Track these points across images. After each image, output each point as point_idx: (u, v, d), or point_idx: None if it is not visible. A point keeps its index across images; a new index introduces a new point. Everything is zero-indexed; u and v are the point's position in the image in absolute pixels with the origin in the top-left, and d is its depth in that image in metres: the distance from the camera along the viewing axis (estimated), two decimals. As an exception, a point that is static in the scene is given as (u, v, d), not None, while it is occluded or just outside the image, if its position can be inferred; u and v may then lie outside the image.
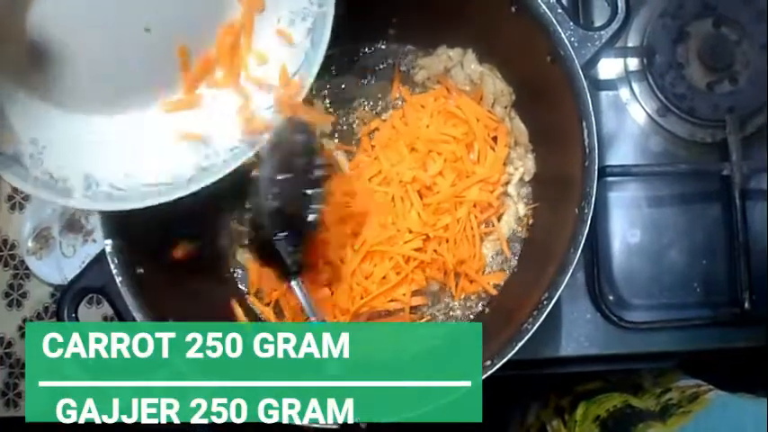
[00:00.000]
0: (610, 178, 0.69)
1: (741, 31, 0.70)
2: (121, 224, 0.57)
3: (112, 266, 0.55)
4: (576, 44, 0.56)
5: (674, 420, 0.64)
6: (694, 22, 0.71)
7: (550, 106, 0.61)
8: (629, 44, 0.71)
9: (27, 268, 0.77)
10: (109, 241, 0.56)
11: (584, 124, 0.54)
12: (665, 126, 0.71)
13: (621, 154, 0.71)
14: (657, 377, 0.75)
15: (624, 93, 0.72)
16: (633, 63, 0.72)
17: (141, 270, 0.57)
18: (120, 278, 0.55)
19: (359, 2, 0.59)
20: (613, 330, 0.68)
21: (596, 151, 0.54)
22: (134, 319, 0.55)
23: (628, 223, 0.70)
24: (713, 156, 0.70)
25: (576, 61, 0.55)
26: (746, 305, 0.66)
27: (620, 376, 0.78)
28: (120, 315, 0.56)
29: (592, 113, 0.54)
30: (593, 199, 0.54)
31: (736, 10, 0.70)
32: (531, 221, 0.68)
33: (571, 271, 0.53)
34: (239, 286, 0.70)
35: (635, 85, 0.72)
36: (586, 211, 0.54)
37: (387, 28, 0.71)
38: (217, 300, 0.67)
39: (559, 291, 0.53)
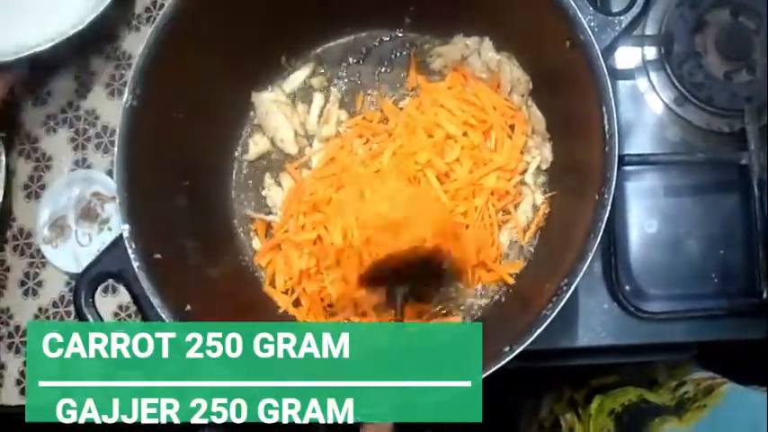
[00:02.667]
0: (627, 167, 0.69)
1: (759, 20, 0.70)
2: (139, 209, 0.57)
3: (130, 251, 0.55)
4: (595, 29, 0.56)
5: (690, 416, 0.64)
6: (712, 11, 0.70)
7: (569, 93, 0.60)
8: (647, 33, 0.71)
9: (43, 257, 0.77)
10: (126, 226, 0.56)
11: (603, 109, 0.54)
12: (683, 115, 0.71)
13: (639, 143, 0.71)
14: (672, 370, 0.75)
15: (642, 82, 0.72)
16: (651, 52, 0.72)
17: (159, 255, 0.57)
18: (137, 263, 0.55)
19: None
20: (630, 321, 0.68)
21: (616, 137, 0.54)
22: (151, 305, 0.55)
23: (645, 213, 0.70)
24: (731, 145, 0.70)
25: (597, 46, 0.55)
26: (764, 295, 0.65)
27: (636, 370, 0.78)
28: (137, 300, 0.56)
29: (612, 98, 0.54)
30: (614, 184, 0.53)
31: (755, -1, 0.70)
32: (548, 210, 0.68)
33: (590, 257, 0.53)
34: (255, 274, 0.70)
35: (652, 75, 0.71)
36: (606, 196, 0.53)
37: (403, 16, 0.71)
38: (234, 287, 0.67)
39: (579, 277, 0.53)
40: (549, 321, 0.52)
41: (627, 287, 0.68)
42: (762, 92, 0.69)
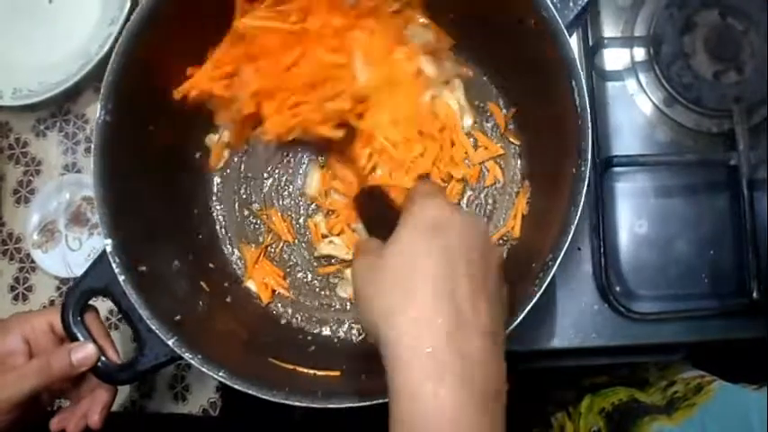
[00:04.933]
0: (617, 168, 0.69)
1: (748, 20, 0.70)
2: (121, 223, 0.56)
3: (114, 265, 0.55)
4: (558, 5, 0.56)
5: (680, 414, 0.64)
6: (701, 12, 0.70)
7: (537, 74, 0.60)
8: (636, 34, 0.71)
9: (33, 262, 0.77)
10: (109, 241, 0.55)
11: (573, 83, 0.54)
12: (672, 116, 0.71)
13: (628, 144, 0.71)
14: (662, 370, 0.75)
15: (631, 83, 0.72)
16: (640, 53, 0.72)
17: (144, 268, 0.57)
18: (122, 276, 0.55)
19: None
20: (620, 321, 0.68)
21: (588, 111, 0.53)
22: (140, 317, 0.55)
23: (635, 214, 0.70)
24: (720, 146, 0.70)
25: (560, 21, 0.54)
26: (755, 295, 0.65)
27: (626, 370, 0.78)
28: (127, 314, 0.56)
29: (581, 73, 0.53)
30: (589, 156, 0.53)
31: (743, 0, 0.70)
32: (528, 197, 0.68)
33: (573, 230, 0.52)
34: (241, 279, 0.70)
35: (641, 76, 0.71)
36: (583, 168, 0.53)
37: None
38: (219, 290, 0.67)
39: (563, 250, 0.52)
40: (536, 299, 0.52)
41: (617, 288, 0.68)
42: (750, 92, 0.69)
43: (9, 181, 0.79)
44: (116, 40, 0.73)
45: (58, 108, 0.79)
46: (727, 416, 0.61)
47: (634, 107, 0.71)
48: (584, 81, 0.54)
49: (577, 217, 0.53)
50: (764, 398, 0.58)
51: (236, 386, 0.53)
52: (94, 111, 0.77)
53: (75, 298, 0.57)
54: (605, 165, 0.67)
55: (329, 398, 0.53)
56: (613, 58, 0.72)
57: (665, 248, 0.69)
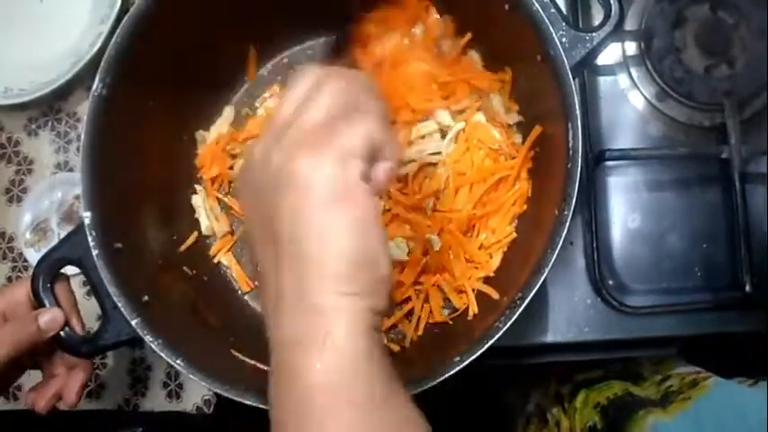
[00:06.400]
0: (609, 162, 0.69)
1: (738, 14, 0.70)
2: (103, 198, 0.56)
3: (90, 239, 0.55)
4: (566, 45, 0.55)
5: (675, 407, 0.64)
6: (691, 6, 0.71)
7: (539, 106, 0.61)
8: (627, 29, 0.71)
9: (25, 260, 0.77)
10: (88, 213, 0.55)
11: (569, 125, 0.54)
12: (664, 110, 0.71)
13: (620, 139, 0.71)
14: (657, 365, 0.75)
15: (622, 78, 0.72)
16: (631, 48, 0.72)
17: (120, 245, 0.57)
18: (96, 251, 0.55)
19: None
20: (614, 315, 0.68)
21: (580, 153, 0.53)
22: (107, 293, 0.55)
23: (628, 208, 0.70)
24: (712, 140, 0.70)
25: (566, 62, 0.54)
26: (747, 289, 0.65)
27: (621, 365, 0.78)
28: (95, 287, 0.56)
29: (578, 116, 0.53)
30: (574, 201, 0.52)
31: (733, -7, 0.70)
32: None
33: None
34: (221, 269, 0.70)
35: (633, 71, 0.71)
36: (566, 212, 0.52)
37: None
38: (197, 274, 0.67)
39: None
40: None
41: (610, 282, 0.68)
42: (741, 86, 0.69)
43: (1, 180, 0.79)
44: (107, 38, 0.73)
45: (49, 107, 0.79)
46: (723, 410, 0.61)
47: (626, 102, 0.72)
48: (580, 127, 0.53)
49: (551, 262, 0.52)
50: (762, 393, 0.58)
51: (191, 376, 0.53)
52: (86, 110, 0.77)
53: (48, 265, 0.57)
54: (597, 159, 0.67)
55: None
56: (605, 53, 0.72)
57: (657, 242, 0.69)
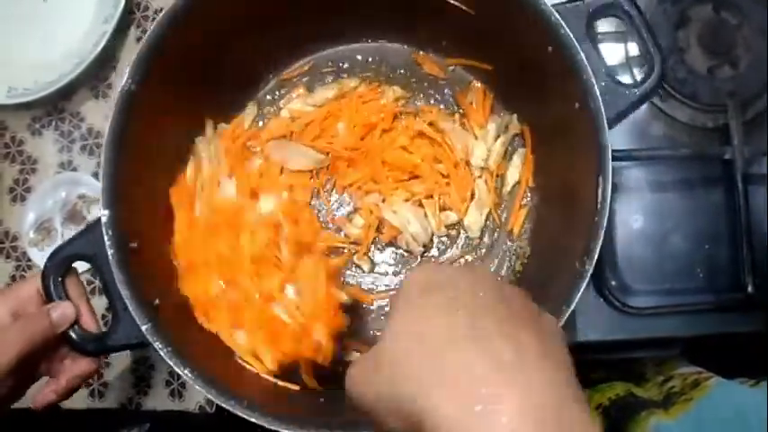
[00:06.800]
0: (612, 163, 0.69)
1: (741, 15, 0.70)
2: (122, 195, 0.56)
3: (106, 238, 0.55)
4: (606, 97, 0.54)
5: (677, 408, 0.64)
6: (695, 6, 0.71)
7: (571, 154, 0.60)
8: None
9: (29, 260, 0.77)
10: (106, 212, 0.55)
11: (599, 179, 0.53)
12: (667, 111, 0.71)
13: (623, 140, 0.71)
14: (659, 365, 0.75)
15: (625, 79, 0.72)
16: (634, 48, 0.72)
17: (135, 245, 0.56)
18: (111, 251, 0.55)
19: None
20: (616, 316, 0.68)
21: (607, 209, 0.53)
22: (119, 294, 0.54)
23: (630, 208, 0.70)
24: (715, 141, 0.70)
25: (604, 115, 0.53)
26: (750, 290, 0.65)
27: (623, 365, 0.78)
28: (107, 285, 0.55)
29: (610, 172, 0.53)
30: (596, 256, 0.53)
31: (737, -6, 0.70)
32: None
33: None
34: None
35: (636, 71, 0.71)
36: (588, 267, 0.53)
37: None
38: None
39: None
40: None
41: (613, 282, 0.68)
42: (744, 87, 0.69)
43: (5, 179, 0.79)
44: (111, 38, 0.73)
45: (53, 106, 0.80)
46: (724, 410, 0.61)
47: (629, 102, 0.71)
48: (611, 182, 0.53)
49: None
50: (762, 394, 0.58)
51: (197, 386, 0.52)
52: (90, 109, 0.79)
53: (60, 260, 0.56)
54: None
55: (281, 420, 0.51)
56: (608, 54, 0.72)
57: (660, 243, 0.69)
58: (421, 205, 0.68)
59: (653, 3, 0.71)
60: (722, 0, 0.70)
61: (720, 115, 0.69)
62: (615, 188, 0.70)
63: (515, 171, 0.69)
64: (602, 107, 0.53)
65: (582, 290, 0.52)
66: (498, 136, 0.69)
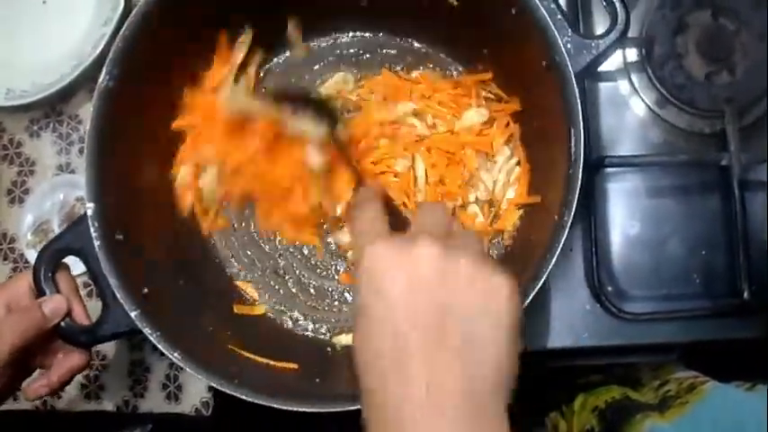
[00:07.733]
0: (609, 169, 0.69)
1: (739, 21, 0.70)
2: (106, 189, 0.57)
3: (92, 230, 0.56)
4: (572, 51, 0.56)
5: (673, 412, 0.64)
6: (693, 12, 0.71)
7: (542, 112, 0.61)
8: (628, 35, 0.71)
9: (27, 261, 0.77)
10: (91, 205, 0.56)
11: (572, 132, 0.54)
12: (665, 117, 0.71)
13: (621, 145, 0.71)
14: (656, 370, 0.75)
15: (623, 84, 0.72)
16: (632, 54, 0.72)
17: (121, 236, 0.58)
18: (98, 242, 0.56)
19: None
20: (613, 322, 0.68)
21: (581, 159, 0.54)
22: (108, 284, 0.55)
23: (627, 214, 0.70)
24: (712, 146, 0.70)
25: (570, 68, 0.55)
26: (746, 296, 0.65)
27: (619, 370, 0.78)
28: (96, 278, 0.57)
29: (581, 122, 0.54)
30: (574, 207, 0.53)
31: (735, 0, 0.70)
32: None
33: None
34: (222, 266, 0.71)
35: (634, 77, 0.72)
36: (566, 218, 0.53)
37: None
38: (195, 276, 0.67)
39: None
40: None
41: (609, 288, 0.68)
42: (742, 93, 0.69)
43: (3, 181, 0.79)
44: (110, 40, 0.73)
45: (51, 108, 0.79)
46: (720, 414, 0.61)
47: (627, 108, 0.72)
48: (582, 133, 0.54)
49: (550, 268, 0.53)
50: (761, 399, 0.58)
51: (188, 369, 0.54)
52: (88, 112, 0.77)
53: (50, 255, 0.57)
54: (597, 165, 0.67)
55: (275, 396, 0.53)
56: (606, 60, 0.72)
57: (657, 249, 0.70)
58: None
59: (651, 8, 0.71)
60: (721, 6, 0.70)
61: (718, 121, 0.69)
62: (612, 194, 0.70)
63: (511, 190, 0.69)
64: (567, 60, 0.55)
65: (563, 242, 0.53)
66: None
